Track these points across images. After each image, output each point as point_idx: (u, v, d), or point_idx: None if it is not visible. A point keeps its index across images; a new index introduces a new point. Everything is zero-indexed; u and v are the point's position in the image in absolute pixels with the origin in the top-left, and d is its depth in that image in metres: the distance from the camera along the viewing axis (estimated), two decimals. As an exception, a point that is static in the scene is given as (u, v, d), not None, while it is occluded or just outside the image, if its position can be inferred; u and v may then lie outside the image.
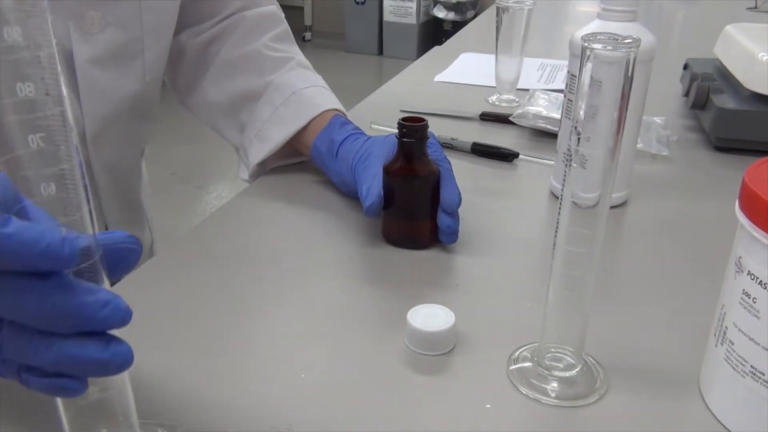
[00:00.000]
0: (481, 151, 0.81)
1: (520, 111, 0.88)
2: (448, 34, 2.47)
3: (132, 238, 0.32)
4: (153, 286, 0.56)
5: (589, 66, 0.37)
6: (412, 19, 4.32)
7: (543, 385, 0.45)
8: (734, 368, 0.40)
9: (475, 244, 0.61)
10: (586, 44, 0.37)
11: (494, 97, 1.01)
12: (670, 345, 0.49)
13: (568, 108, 0.66)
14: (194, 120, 0.82)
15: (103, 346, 0.29)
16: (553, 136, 0.83)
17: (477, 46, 1.28)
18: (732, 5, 1.75)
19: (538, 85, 1.07)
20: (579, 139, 0.38)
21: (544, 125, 0.86)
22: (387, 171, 0.59)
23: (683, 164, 0.81)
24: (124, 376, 0.33)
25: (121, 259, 0.32)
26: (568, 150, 0.39)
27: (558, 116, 0.85)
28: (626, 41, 0.37)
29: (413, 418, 0.42)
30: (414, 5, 4.27)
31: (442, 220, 0.59)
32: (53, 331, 0.28)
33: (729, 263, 0.41)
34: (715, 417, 0.43)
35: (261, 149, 0.73)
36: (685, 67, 0.99)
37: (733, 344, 0.40)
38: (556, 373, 0.45)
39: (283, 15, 0.81)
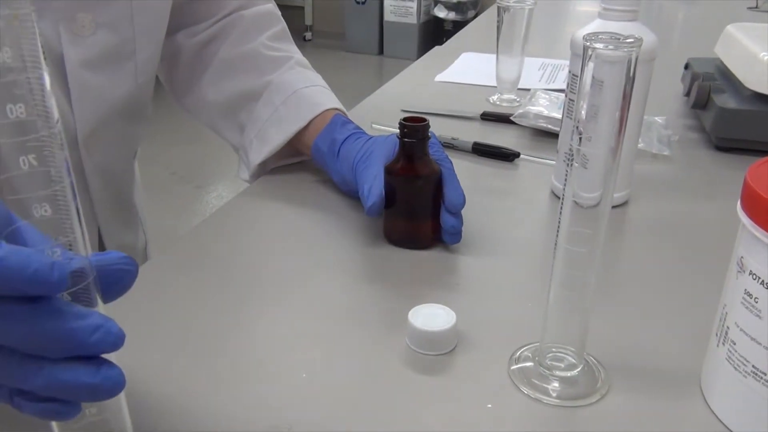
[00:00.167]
0: (482, 150, 0.81)
1: (521, 111, 0.88)
2: (449, 34, 2.48)
3: (127, 259, 0.32)
4: (153, 287, 0.55)
5: (590, 65, 0.37)
6: (413, 19, 4.32)
7: (544, 385, 0.45)
8: (736, 368, 0.40)
9: (476, 243, 0.61)
10: (588, 44, 0.37)
11: (495, 97, 1.01)
12: (671, 345, 0.49)
13: (569, 108, 0.66)
14: (194, 120, 0.82)
15: (93, 370, 0.29)
16: (554, 135, 0.83)
17: (478, 46, 1.28)
18: (733, 5, 1.75)
19: (539, 84, 1.07)
20: (581, 138, 0.38)
21: (545, 125, 0.86)
22: (388, 171, 0.59)
23: (684, 164, 0.81)
24: (120, 397, 0.33)
25: (117, 280, 0.32)
26: (570, 150, 0.39)
27: (559, 116, 0.85)
28: (628, 41, 0.37)
29: (414, 417, 0.42)
30: (414, 5, 4.27)
31: (446, 220, 0.59)
32: (43, 356, 0.28)
33: (730, 263, 0.41)
34: (717, 417, 0.42)
35: (261, 149, 0.73)
36: (686, 66, 0.99)
37: (734, 344, 0.40)
38: (558, 372, 0.45)
39: (280, 13, 0.80)
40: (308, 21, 4.78)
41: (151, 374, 0.45)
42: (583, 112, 0.38)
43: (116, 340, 0.29)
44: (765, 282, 0.37)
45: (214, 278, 0.57)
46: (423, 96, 1.02)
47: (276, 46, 0.77)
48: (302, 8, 4.72)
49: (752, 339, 0.39)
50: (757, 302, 0.38)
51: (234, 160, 0.80)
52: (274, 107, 0.73)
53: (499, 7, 0.96)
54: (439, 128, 0.80)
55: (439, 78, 1.11)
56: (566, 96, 0.66)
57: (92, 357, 0.29)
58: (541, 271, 0.56)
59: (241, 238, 0.63)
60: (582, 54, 0.37)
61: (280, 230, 0.65)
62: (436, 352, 0.48)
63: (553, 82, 1.09)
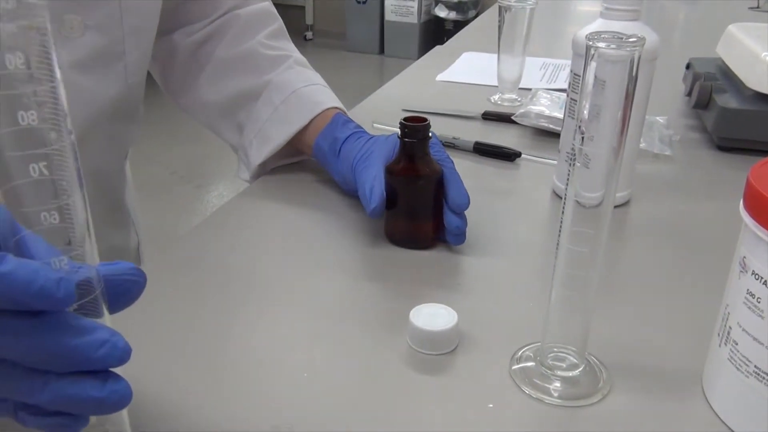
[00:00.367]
0: (484, 150, 0.81)
1: (522, 110, 0.88)
2: (450, 34, 2.48)
3: (135, 270, 0.32)
4: (153, 287, 0.55)
5: (593, 65, 0.37)
6: (414, 19, 4.32)
7: (546, 385, 0.45)
8: (738, 368, 0.40)
9: (478, 243, 0.61)
10: (590, 43, 0.37)
11: (496, 97, 1.01)
12: (673, 345, 0.49)
13: (571, 107, 0.66)
14: (192, 119, 0.82)
15: (99, 384, 0.29)
16: (555, 135, 0.83)
17: (479, 46, 1.28)
18: (734, 5, 1.75)
19: (541, 84, 1.07)
20: (583, 138, 0.38)
21: (546, 124, 0.86)
22: (390, 171, 0.59)
23: (686, 164, 0.81)
24: (122, 411, 0.33)
25: (124, 291, 0.31)
26: (572, 149, 0.39)
27: (560, 115, 0.85)
28: (630, 40, 0.37)
29: (415, 417, 0.42)
30: (415, 4, 4.27)
31: (451, 220, 0.58)
32: (49, 370, 0.28)
33: (733, 263, 0.41)
34: (719, 417, 0.42)
35: (262, 149, 0.73)
36: (688, 66, 0.99)
37: (736, 344, 0.40)
38: (559, 372, 0.45)
39: (275, 11, 0.80)
40: (309, 20, 4.78)
41: (151, 374, 0.45)
42: (585, 112, 0.38)
43: (122, 355, 0.29)
44: (767, 282, 0.37)
45: (215, 278, 0.57)
46: (424, 95, 1.02)
47: (274, 44, 0.77)
48: (303, 8, 4.72)
49: (754, 339, 0.39)
50: (759, 302, 0.38)
51: (234, 159, 0.80)
52: (274, 107, 0.73)
53: (500, 7, 0.96)
54: (440, 128, 0.80)
55: (440, 77, 1.11)
56: (568, 96, 0.66)
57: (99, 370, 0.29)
58: (542, 271, 0.56)
59: (241, 237, 0.63)
60: (584, 53, 0.37)
61: (280, 230, 0.65)
62: (438, 352, 0.47)
63: (554, 81, 1.09)
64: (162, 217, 2.44)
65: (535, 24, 0.98)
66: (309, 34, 4.80)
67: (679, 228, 0.66)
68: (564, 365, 0.45)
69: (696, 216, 0.68)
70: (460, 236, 0.59)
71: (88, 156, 0.67)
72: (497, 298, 0.55)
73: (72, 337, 0.28)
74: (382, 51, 4.52)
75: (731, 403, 0.42)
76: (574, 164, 0.39)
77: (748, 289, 0.39)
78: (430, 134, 0.59)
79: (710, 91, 0.86)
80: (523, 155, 0.80)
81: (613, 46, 0.36)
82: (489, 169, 0.78)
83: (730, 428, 0.42)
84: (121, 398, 0.29)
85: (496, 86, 1.01)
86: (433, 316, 0.48)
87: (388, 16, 4.39)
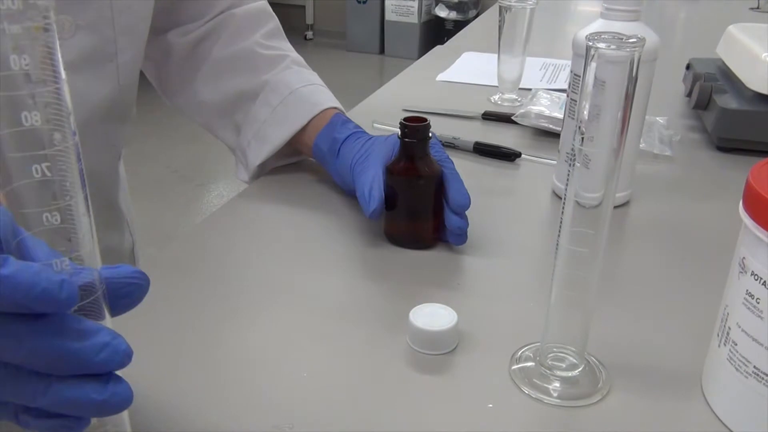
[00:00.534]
0: (484, 150, 0.81)
1: (522, 110, 0.88)
2: (450, 34, 2.48)
3: (138, 273, 0.32)
4: (153, 287, 0.55)
5: (593, 65, 0.37)
6: (414, 18, 4.32)
7: (545, 385, 0.45)
8: (737, 369, 0.40)
9: (478, 243, 0.61)
10: (590, 43, 0.37)
11: (496, 97, 1.01)
12: (672, 345, 0.49)
13: (571, 108, 0.66)
14: (188, 119, 0.81)
15: (100, 387, 0.29)
16: (555, 135, 0.83)
17: (479, 46, 1.28)
18: (734, 5, 1.75)
19: (541, 84, 1.07)
20: (583, 138, 0.38)
21: (546, 125, 0.86)
22: (390, 171, 0.59)
23: (686, 164, 0.81)
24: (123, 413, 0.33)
25: (127, 294, 0.31)
26: (572, 150, 0.39)
27: (560, 116, 0.85)
28: (631, 41, 0.37)
29: (415, 417, 0.42)
30: (416, 4, 4.27)
31: (452, 221, 0.58)
32: (50, 373, 0.28)
33: (732, 264, 0.41)
34: (718, 417, 0.42)
35: (261, 150, 0.72)
36: (688, 67, 0.99)
37: (736, 345, 0.40)
38: (559, 372, 0.45)
39: (271, 10, 0.79)
40: (309, 20, 4.78)
41: (151, 374, 0.45)
42: (585, 112, 0.38)
43: (123, 359, 0.29)
44: (767, 283, 0.37)
45: (215, 278, 0.57)
46: (424, 95, 1.02)
47: (270, 44, 0.76)
48: (303, 7, 4.71)
49: (753, 340, 0.39)
50: (758, 303, 0.38)
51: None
52: (272, 107, 0.72)
53: (500, 7, 0.96)
54: (440, 128, 0.80)
55: (440, 77, 1.11)
56: (568, 96, 0.66)
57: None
58: (542, 271, 0.56)
59: (240, 238, 0.63)
60: (584, 54, 0.37)
61: (280, 230, 0.65)
62: (437, 352, 0.48)
63: (555, 81, 1.09)
64: (163, 216, 2.44)
65: (536, 24, 0.98)
66: (309, 34, 4.80)
67: (678, 228, 0.66)
68: (563, 365, 0.45)
69: (696, 216, 0.68)
70: (462, 236, 0.59)
71: (81, 156, 0.67)
72: (497, 298, 0.55)
73: (73, 340, 0.28)
74: (382, 51, 4.52)
75: (730, 403, 0.42)
76: (573, 164, 0.39)
77: (747, 290, 0.39)
78: (431, 135, 0.59)
79: (710, 91, 0.86)
80: (523, 155, 0.80)
81: (613, 46, 0.36)
82: (489, 169, 0.78)
83: (729, 428, 0.42)
84: (123, 401, 0.29)
85: (497, 86, 1.01)
86: (432, 316, 0.48)
87: (389, 15, 4.39)
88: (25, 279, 0.26)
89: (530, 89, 0.96)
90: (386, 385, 0.45)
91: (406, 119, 0.58)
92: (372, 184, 0.58)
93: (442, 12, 4.33)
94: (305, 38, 4.75)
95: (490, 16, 1.59)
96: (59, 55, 0.26)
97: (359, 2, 4.42)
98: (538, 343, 0.46)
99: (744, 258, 0.39)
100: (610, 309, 0.51)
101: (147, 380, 0.44)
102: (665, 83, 0.95)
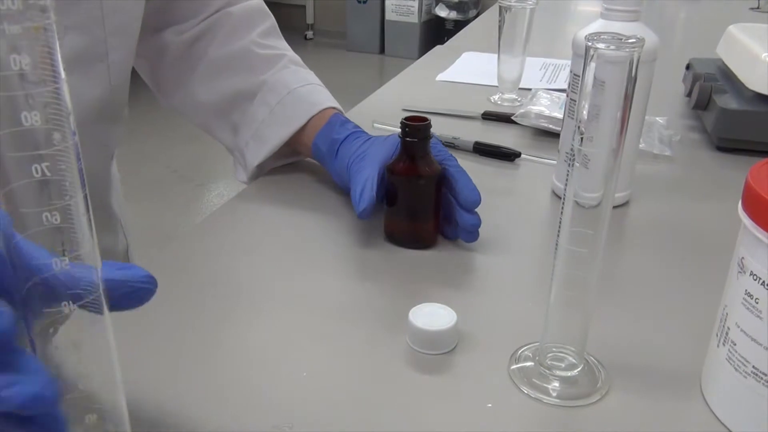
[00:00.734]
0: (483, 150, 0.81)
1: (522, 110, 0.88)
2: (450, 33, 2.48)
3: (150, 278, 0.32)
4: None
5: (592, 66, 0.37)
6: (414, 18, 4.32)
7: (544, 385, 0.45)
8: (736, 369, 0.40)
9: (477, 243, 0.61)
10: (590, 44, 0.37)
11: (496, 97, 1.01)
12: (671, 345, 0.49)
13: (570, 108, 0.66)
14: (184, 118, 0.81)
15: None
16: (555, 135, 0.83)
17: (479, 46, 1.28)
18: (735, 5, 1.75)
19: (541, 84, 1.07)
20: (582, 138, 0.38)
21: (546, 125, 0.86)
22: (390, 170, 0.59)
23: (685, 164, 0.81)
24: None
25: (136, 298, 0.32)
26: (571, 149, 0.39)
27: (560, 116, 0.85)
28: (630, 41, 0.37)
29: (414, 416, 0.42)
30: (416, 4, 4.27)
31: (465, 219, 0.58)
32: None
33: (731, 264, 0.41)
34: (717, 417, 0.42)
35: (259, 150, 0.72)
36: (688, 67, 0.99)
37: (735, 345, 0.40)
38: (558, 372, 0.45)
39: (267, 9, 0.79)
40: (309, 20, 4.78)
41: (151, 374, 0.45)
42: (584, 112, 0.38)
43: (27, 402, 0.27)
44: (766, 283, 0.37)
45: (215, 278, 0.57)
46: (424, 95, 1.02)
47: (267, 43, 0.76)
48: (303, 7, 4.71)
49: (753, 339, 0.39)
50: (757, 303, 0.38)
51: (235, 158, 0.80)
52: (270, 107, 0.72)
53: (500, 7, 0.96)
54: (440, 127, 0.80)
55: (440, 77, 1.11)
56: (568, 96, 0.66)
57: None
58: (541, 271, 0.56)
59: (241, 238, 0.63)
60: (584, 54, 0.37)
61: (280, 230, 0.65)
62: (437, 352, 0.48)
63: (554, 81, 1.09)
64: (163, 216, 2.45)
65: (535, 24, 0.98)
66: (309, 34, 4.80)
67: (678, 228, 0.66)
68: (563, 365, 0.45)
69: (695, 217, 0.69)
70: (474, 233, 0.59)
71: None
72: (496, 297, 0.55)
73: None
74: (382, 50, 4.52)
75: (729, 403, 0.42)
76: (573, 164, 0.39)
77: (746, 290, 0.39)
78: (431, 134, 0.59)
79: (710, 91, 0.86)
80: (522, 155, 0.80)
81: (612, 46, 0.36)
82: (489, 169, 0.78)
83: (728, 428, 0.42)
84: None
85: (496, 86, 1.01)
86: (432, 316, 0.48)
87: (389, 15, 4.39)
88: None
89: (530, 89, 0.96)
90: (386, 385, 0.45)
91: (407, 118, 0.58)
92: (365, 184, 0.58)
93: (442, 12, 4.33)
94: (305, 38, 4.75)
95: (490, 16, 1.59)
96: (59, 55, 0.26)
97: (359, 2, 4.43)
98: (538, 343, 0.46)
99: (743, 258, 0.39)
100: (609, 309, 0.51)
101: (147, 380, 0.44)
102: (665, 83, 0.95)
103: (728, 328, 0.41)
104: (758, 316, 0.38)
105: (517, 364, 0.47)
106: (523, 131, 0.88)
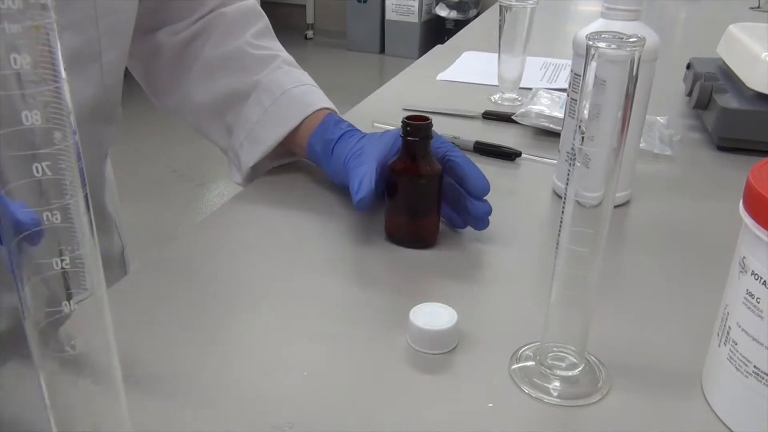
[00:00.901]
0: (484, 149, 0.81)
1: (522, 110, 0.88)
2: (451, 33, 2.47)
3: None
4: (151, 286, 0.56)
5: (593, 65, 0.37)
6: (414, 18, 4.32)
7: (545, 384, 0.45)
8: (737, 368, 0.40)
9: (478, 242, 0.61)
10: (590, 43, 0.37)
11: (497, 96, 1.01)
12: (672, 345, 0.49)
13: (571, 107, 0.66)
14: (177, 119, 0.80)
15: None
16: (555, 135, 0.83)
17: (479, 45, 1.28)
18: (735, 5, 1.75)
19: (541, 83, 1.07)
20: (583, 138, 0.38)
21: (546, 124, 0.86)
22: (392, 169, 0.59)
23: (686, 164, 0.81)
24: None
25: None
26: (572, 149, 0.39)
27: (560, 115, 0.85)
28: (631, 40, 0.37)
29: (415, 416, 0.42)
30: (416, 3, 4.27)
31: (477, 207, 0.59)
32: None
33: (732, 263, 0.41)
34: (718, 417, 0.42)
35: (254, 151, 0.72)
36: (688, 66, 0.99)
37: (736, 344, 0.40)
38: (559, 372, 0.45)
39: (261, 9, 0.79)
40: (309, 19, 4.78)
41: (151, 375, 0.45)
42: (585, 112, 0.38)
43: None
44: (767, 282, 0.37)
45: (214, 278, 0.57)
46: (424, 95, 1.02)
47: (261, 44, 0.75)
48: (303, 6, 4.71)
49: (754, 339, 0.39)
50: (758, 302, 0.38)
51: (234, 158, 0.80)
52: (264, 108, 0.72)
53: (501, 6, 0.96)
54: (440, 127, 0.80)
55: (440, 77, 1.11)
56: (568, 95, 0.66)
57: None
58: (542, 271, 0.56)
59: (240, 238, 0.63)
60: (585, 53, 0.37)
61: (279, 230, 0.65)
62: (437, 351, 0.48)
63: (555, 81, 1.09)
64: (163, 216, 2.44)
65: (536, 24, 0.98)
66: (309, 33, 4.79)
67: (678, 228, 0.66)
68: (563, 365, 0.45)
69: (696, 216, 0.68)
70: (485, 220, 0.60)
71: None
72: (497, 297, 0.55)
73: None
74: (382, 50, 4.51)
75: (730, 402, 0.42)
76: (574, 164, 0.39)
77: (747, 290, 0.39)
78: (432, 133, 0.59)
79: (711, 91, 0.86)
80: (523, 155, 0.80)
81: (613, 46, 0.36)
82: (489, 168, 0.78)
83: (729, 428, 0.42)
84: None
85: (497, 86, 1.01)
86: (432, 316, 0.48)
87: (389, 15, 4.39)
88: None
89: (530, 89, 0.96)
90: (386, 385, 0.45)
91: (408, 117, 0.58)
92: (363, 177, 0.58)
93: (442, 11, 4.33)
94: (305, 38, 4.75)
95: (490, 15, 1.59)
96: (59, 54, 0.26)
97: (359, 1, 4.42)
98: (538, 343, 0.46)
99: (744, 257, 0.39)
100: (610, 308, 0.51)
101: (147, 380, 0.44)
102: (665, 83, 0.95)
103: (729, 328, 0.41)
104: (759, 316, 0.38)
105: (517, 363, 0.47)
106: (524, 131, 0.88)
